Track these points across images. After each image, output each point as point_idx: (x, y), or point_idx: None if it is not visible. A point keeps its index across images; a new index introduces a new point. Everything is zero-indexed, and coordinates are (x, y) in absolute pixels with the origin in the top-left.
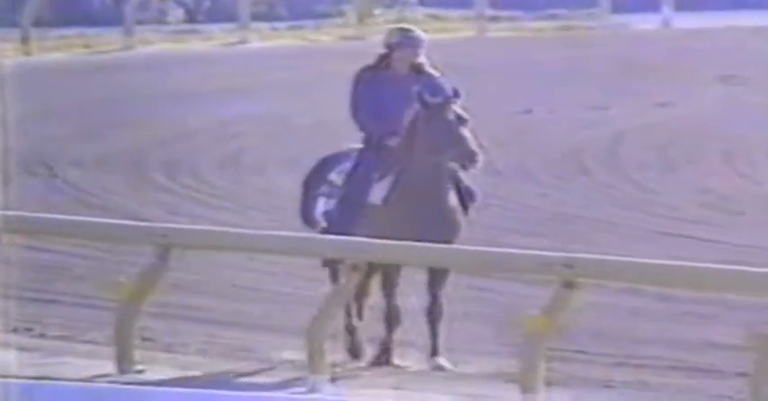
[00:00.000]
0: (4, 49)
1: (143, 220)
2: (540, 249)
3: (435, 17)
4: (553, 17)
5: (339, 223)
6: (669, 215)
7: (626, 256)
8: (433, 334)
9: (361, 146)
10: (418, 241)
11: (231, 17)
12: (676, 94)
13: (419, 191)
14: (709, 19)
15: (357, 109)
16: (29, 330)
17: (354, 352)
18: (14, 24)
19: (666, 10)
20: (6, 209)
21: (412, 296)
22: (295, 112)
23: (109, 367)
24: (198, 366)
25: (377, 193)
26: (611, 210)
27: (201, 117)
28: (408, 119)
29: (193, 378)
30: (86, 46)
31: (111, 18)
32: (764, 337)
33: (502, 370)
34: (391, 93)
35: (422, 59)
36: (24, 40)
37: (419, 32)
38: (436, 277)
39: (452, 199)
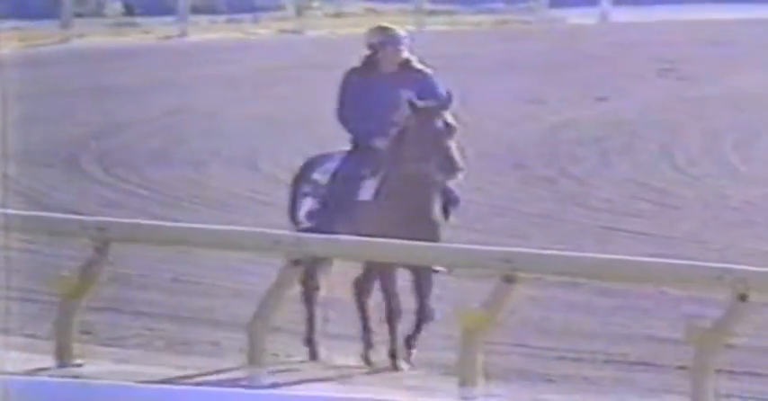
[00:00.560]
0: None
1: (78, 214)
2: (478, 244)
3: (373, 11)
4: (491, 11)
5: (327, 220)
6: (606, 208)
7: (564, 251)
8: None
9: (347, 148)
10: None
11: (170, 10)
12: (614, 88)
13: (405, 193)
14: (646, 13)
15: (344, 110)
16: None
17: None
18: None
19: (605, 4)
20: None
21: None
22: (232, 106)
23: (48, 361)
24: (137, 359)
25: (366, 190)
26: (547, 204)
27: (137, 110)
28: (398, 121)
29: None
30: (22, 39)
31: (48, 11)
32: (703, 330)
33: (441, 364)
34: (379, 93)
35: (407, 55)
36: None
37: (398, 30)
38: (420, 279)
39: (435, 206)
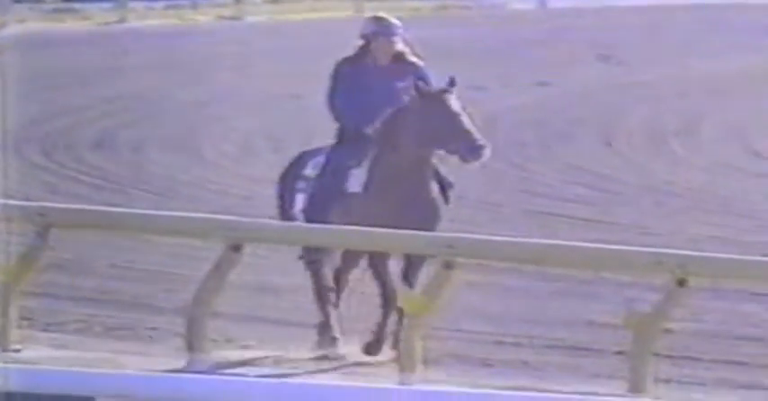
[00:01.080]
0: None
1: (20, 200)
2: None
3: None
4: None
5: (317, 212)
6: (547, 194)
7: (505, 236)
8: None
9: (334, 141)
10: (398, 228)
11: None
12: (555, 74)
13: (401, 179)
14: None
15: (335, 100)
16: None
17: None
18: None
19: None
20: None
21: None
22: (173, 91)
23: None
24: (76, 345)
25: (355, 181)
26: (489, 190)
27: (76, 96)
28: (397, 107)
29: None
30: None
31: None
32: (642, 316)
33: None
34: (372, 84)
35: (402, 47)
36: None
37: (394, 20)
38: (412, 267)
39: (434, 189)
